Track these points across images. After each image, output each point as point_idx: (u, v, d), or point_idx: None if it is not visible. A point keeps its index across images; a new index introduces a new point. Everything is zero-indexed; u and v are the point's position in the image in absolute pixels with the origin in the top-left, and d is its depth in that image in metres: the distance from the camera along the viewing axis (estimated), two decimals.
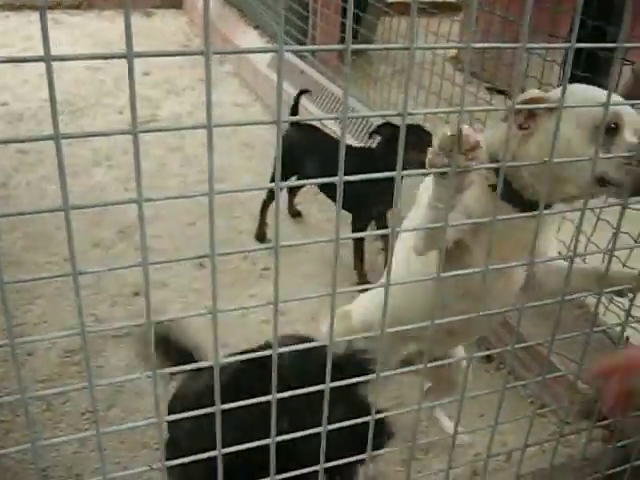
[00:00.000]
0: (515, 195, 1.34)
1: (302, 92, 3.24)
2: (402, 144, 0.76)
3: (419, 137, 2.74)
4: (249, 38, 5.66)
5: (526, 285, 1.57)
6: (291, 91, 4.40)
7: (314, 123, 3.24)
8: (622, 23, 0.88)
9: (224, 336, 2.67)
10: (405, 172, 0.78)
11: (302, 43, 5.03)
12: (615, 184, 1.20)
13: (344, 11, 4.57)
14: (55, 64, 0.61)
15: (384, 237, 3.12)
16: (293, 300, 0.81)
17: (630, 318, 1.99)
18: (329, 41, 4.75)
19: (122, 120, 4.67)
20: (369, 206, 2.86)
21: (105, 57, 0.61)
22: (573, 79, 3.09)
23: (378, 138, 2.93)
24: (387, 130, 2.83)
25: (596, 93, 1.29)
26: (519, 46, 0.78)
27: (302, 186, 3.37)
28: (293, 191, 3.48)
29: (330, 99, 4.33)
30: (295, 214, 3.56)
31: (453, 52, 5.39)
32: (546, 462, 1.40)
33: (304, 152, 3.00)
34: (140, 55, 0.62)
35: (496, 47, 0.77)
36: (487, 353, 2.42)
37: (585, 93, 1.30)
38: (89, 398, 2.41)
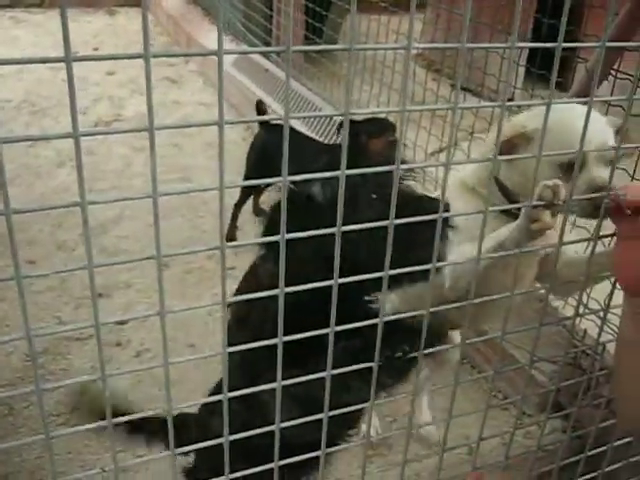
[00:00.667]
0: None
1: (259, 104, 3.26)
2: (345, 142, 0.78)
3: (380, 127, 2.78)
4: (213, 37, 5.64)
5: (543, 275, 1.66)
6: (257, 90, 4.42)
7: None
8: (569, 24, 0.90)
9: (190, 336, 2.68)
10: (349, 171, 0.79)
11: (267, 42, 5.04)
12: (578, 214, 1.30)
13: (308, 10, 4.59)
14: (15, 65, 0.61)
15: None
16: (241, 299, 0.81)
17: (586, 310, 2.04)
18: (293, 40, 4.75)
19: (85, 120, 4.62)
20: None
21: (42, 61, 0.61)
22: (530, 77, 3.13)
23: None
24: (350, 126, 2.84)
25: (568, 124, 1.28)
26: (459, 46, 0.79)
27: (267, 186, 3.37)
28: (258, 191, 3.48)
29: (295, 98, 4.33)
30: (259, 213, 3.56)
31: (418, 50, 5.43)
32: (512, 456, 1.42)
33: (277, 152, 3.01)
34: (78, 59, 0.62)
35: (437, 47, 0.78)
36: (441, 348, 2.43)
37: (558, 124, 1.27)
38: (52, 401, 2.38)
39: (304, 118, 4.08)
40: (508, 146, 1.40)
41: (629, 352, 1.08)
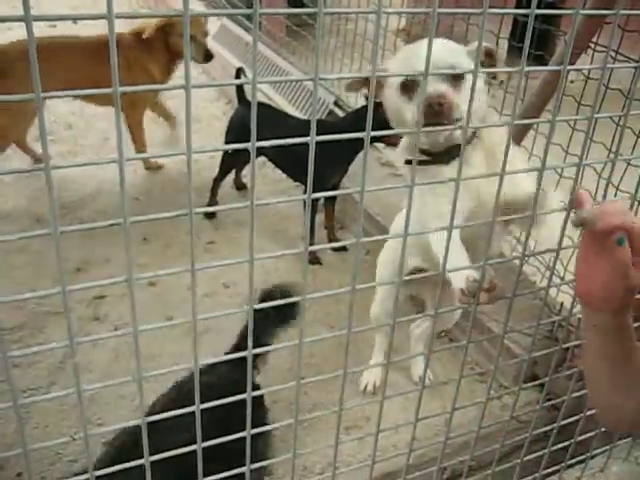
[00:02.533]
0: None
1: (239, 71, 3.26)
2: (315, 109, 0.77)
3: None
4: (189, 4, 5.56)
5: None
6: (237, 64, 4.38)
7: (264, 100, 3.21)
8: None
9: (169, 309, 2.67)
10: (319, 137, 0.79)
11: (248, 15, 4.97)
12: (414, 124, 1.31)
13: None
14: None
15: (327, 213, 3.13)
16: (210, 268, 0.81)
17: (559, 281, 2.05)
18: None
19: None
20: (323, 179, 2.84)
21: (2, 20, 0.60)
22: (513, 52, 3.13)
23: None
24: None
25: (411, 50, 1.44)
26: (430, 10, 0.79)
27: (247, 162, 3.34)
28: (239, 166, 3.46)
29: (276, 72, 4.29)
30: (241, 187, 3.54)
31: (402, 25, 5.40)
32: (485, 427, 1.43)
33: (257, 127, 2.97)
34: (38, 19, 0.61)
35: (407, 12, 0.77)
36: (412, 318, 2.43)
37: (404, 52, 1.48)
38: (30, 375, 2.37)
39: (290, 97, 4.06)
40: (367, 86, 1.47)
41: (594, 364, 1.08)
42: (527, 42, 0.90)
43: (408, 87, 1.41)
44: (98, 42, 3.25)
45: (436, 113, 1.34)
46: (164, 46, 3.34)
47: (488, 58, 1.48)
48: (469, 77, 1.41)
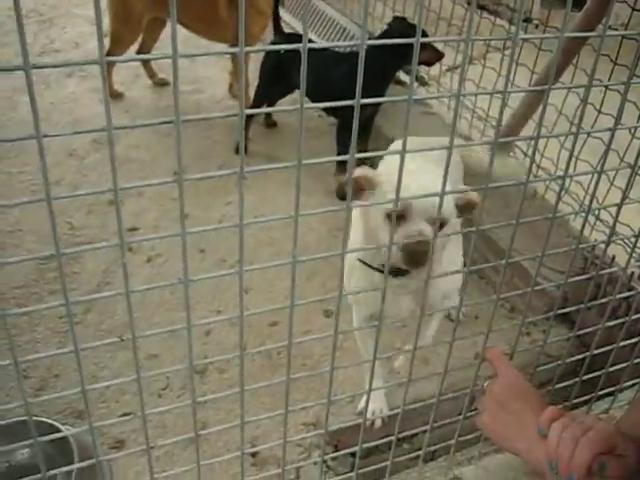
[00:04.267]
0: None
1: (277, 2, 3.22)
2: (366, 13, 0.76)
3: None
4: None
5: None
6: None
7: (299, 32, 3.16)
8: None
9: (201, 242, 2.69)
10: (370, 42, 0.78)
11: None
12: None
13: None
14: None
15: (359, 150, 3.11)
16: (260, 170, 0.81)
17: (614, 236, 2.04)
18: None
19: (94, 31, 4.52)
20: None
21: None
22: None
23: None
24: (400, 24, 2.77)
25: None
26: None
27: (281, 96, 3.31)
28: (270, 102, 3.44)
29: (312, 11, 4.22)
30: (271, 124, 3.53)
31: None
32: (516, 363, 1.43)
33: (292, 61, 2.94)
34: None
35: None
36: None
37: (392, 178, 1.18)
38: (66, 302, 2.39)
39: (323, 33, 4.01)
40: (355, 186, 1.49)
41: None
42: None
43: (398, 218, 1.43)
44: None
45: (414, 251, 1.40)
46: None
47: (468, 207, 1.52)
48: (451, 223, 1.50)
